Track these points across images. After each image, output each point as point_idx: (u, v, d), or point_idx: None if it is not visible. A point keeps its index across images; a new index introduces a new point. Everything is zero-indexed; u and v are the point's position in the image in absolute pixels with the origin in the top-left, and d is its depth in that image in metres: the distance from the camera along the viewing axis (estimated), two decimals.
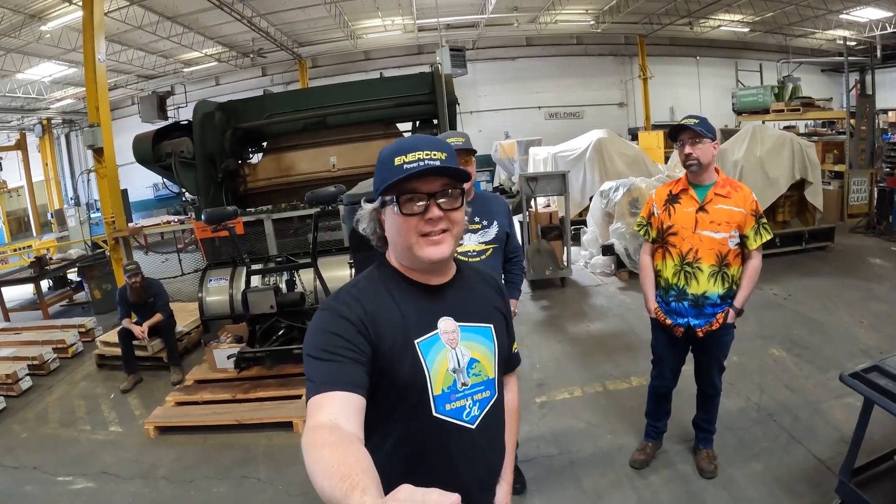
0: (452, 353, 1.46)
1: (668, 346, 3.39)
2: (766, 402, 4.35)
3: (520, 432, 3.71)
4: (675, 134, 3.08)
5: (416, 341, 1.41)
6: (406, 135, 7.21)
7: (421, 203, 1.36)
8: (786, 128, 15.39)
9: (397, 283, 1.48)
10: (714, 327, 3.15)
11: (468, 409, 1.47)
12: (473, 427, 1.47)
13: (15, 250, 15.50)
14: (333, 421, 1.15)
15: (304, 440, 1.11)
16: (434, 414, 1.42)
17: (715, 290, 3.09)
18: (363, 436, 1.19)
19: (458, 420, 1.45)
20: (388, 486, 0.99)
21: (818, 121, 17.25)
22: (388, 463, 1.39)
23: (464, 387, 1.46)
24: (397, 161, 1.36)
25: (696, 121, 2.98)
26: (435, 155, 1.36)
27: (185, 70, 20.06)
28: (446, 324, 1.47)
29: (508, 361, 1.70)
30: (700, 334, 3.18)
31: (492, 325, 1.57)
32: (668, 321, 3.26)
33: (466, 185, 2.85)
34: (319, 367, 1.27)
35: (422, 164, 1.34)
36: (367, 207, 1.47)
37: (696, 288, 3.11)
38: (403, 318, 1.42)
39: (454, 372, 1.45)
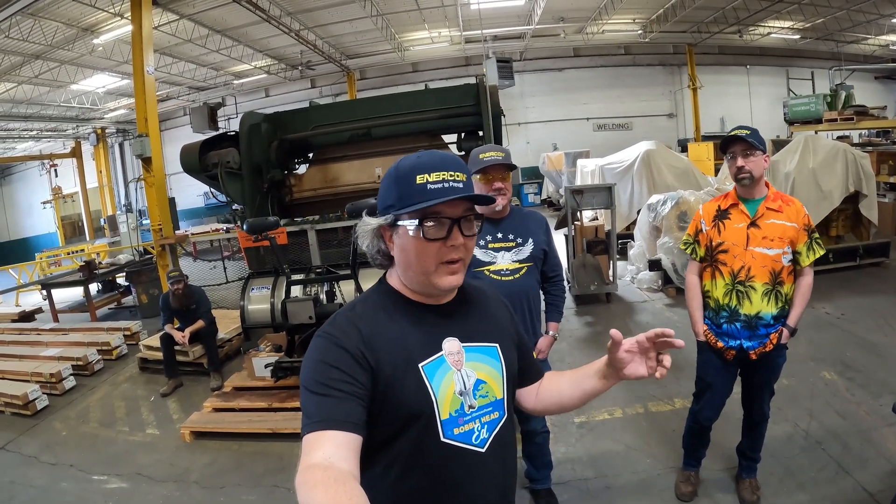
0: (458, 375, 1.39)
1: (719, 370, 3.18)
2: (815, 429, 4.12)
3: (555, 452, 3.62)
4: (726, 146, 2.92)
5: (420, 365, 1.35)
6: (451, 147, 7.18)
7: (445, 228, 1.31)
8: (839, 138, 14.85)
9: (398, 305, 1.42)
10: (768, 348, 2.97)
11: (477, 433, 1.40)
12: (483, 450, 1.40)
13: (68, 254, 16.09)
14: (328, 460, 1.11)
15: (297, 479, 1.07)
16: (442, 439, 1.35)
17: (769, 309, 2.92)
18: (359, 474, 1.14)
19: (467, 444, 1.38)
20: None
21: (872, 130, 16.66)
22: (394, 494, 1.34)
23: (471, 409, 1.39)
24: (419, 179, 1.29)
25: (748, 132, 2.83)
26: (458, 177, 1.31)
27: (235, 82, 20.58)
28: (451, 345, 1.41)
29: (527, 374, 1.64)
30: (753, 356, 3.01)
31: (497, 344, 1.50)
32: (720, 343, 3.08)
33: (503, 202, 2.82)
34: (315, 403, 1.22)
35: (447, 185, 1.28)
36: (371, 222, 1.38)
37: (750, 308, 2.94)
38: (405, 341, 1.35)
39: (461, 395, 1.38)
